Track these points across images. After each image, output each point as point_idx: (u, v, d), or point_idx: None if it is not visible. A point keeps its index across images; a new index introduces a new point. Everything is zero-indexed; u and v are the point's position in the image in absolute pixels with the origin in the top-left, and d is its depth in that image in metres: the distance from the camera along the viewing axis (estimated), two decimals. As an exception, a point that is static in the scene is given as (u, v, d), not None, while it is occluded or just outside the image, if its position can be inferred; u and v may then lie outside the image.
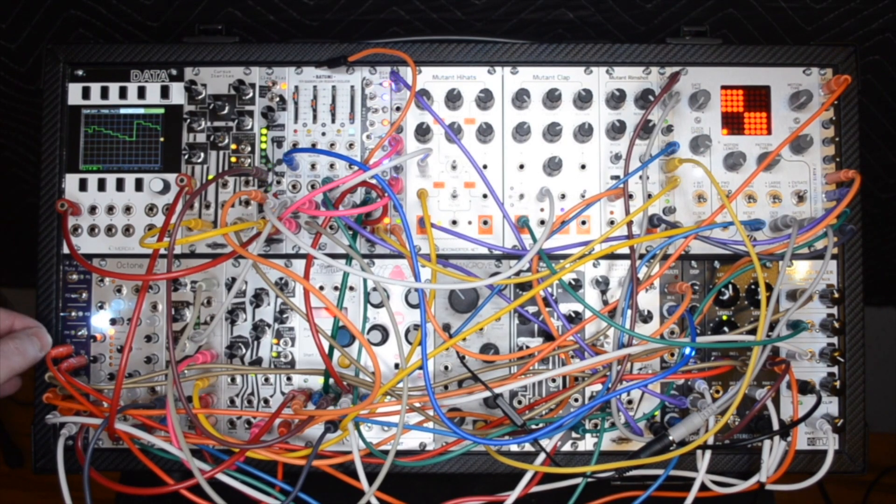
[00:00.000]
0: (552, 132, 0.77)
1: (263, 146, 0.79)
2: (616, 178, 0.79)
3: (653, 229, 0.76)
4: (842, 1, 0.84)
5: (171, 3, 0.87)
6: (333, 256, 0.71)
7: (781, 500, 0.90)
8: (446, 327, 0.79)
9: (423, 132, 0.77)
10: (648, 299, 0.79)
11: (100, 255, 0.79)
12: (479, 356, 0.75)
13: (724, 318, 0.78)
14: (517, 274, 0.70)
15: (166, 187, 0.77)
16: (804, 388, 0.76)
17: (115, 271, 0.78)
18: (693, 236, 0.74)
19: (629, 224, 0.76)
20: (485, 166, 0.79)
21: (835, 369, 0.78)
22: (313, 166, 0.79)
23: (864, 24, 0.87)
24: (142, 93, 0.79)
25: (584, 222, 0.79)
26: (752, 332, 0.73)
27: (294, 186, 0.78)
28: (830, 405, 0.79)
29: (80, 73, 0.79)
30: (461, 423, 0.78)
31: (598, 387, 0.76)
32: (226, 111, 0.79)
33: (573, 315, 0.79)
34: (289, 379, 0.79)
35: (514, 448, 0.78)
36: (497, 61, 0.79)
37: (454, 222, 0.79)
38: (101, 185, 0.78)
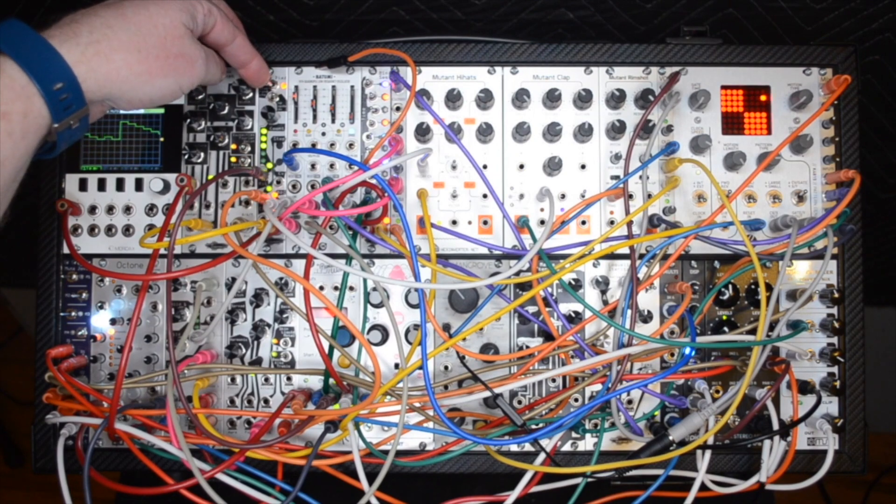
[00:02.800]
0: (552, 132, 0.77)
1: (263, 146, 0.79)
2: (616, 178, 0.79)
3: (653, 229, 0.76)
4: (842, 1, 0.84)
5: (171, 3, 0.87)
6: (333, 256, 0.71)
7: (781, 500, 0.90)
8: (446, 327, 0.79)
9: (423, 132, 0.77)
10: (648, 299, 0.79)
11: (100, 255, 0.79)
12: (479, 356, 0.75)
13: (724, 318, 0.78)
14: (517, 274, 0.70)
15: (166, 187, 0.77)
16: (804, 388, 0.76)
17: (115, 271, 0.78)
18: (693, 236, 0.74)
19: (629, 224, 0.76)
20: (485, 166, 0.79)
21: (835, 369, 0.78)
22: (313, 166, 0.79)
23: (864, 24, 0.87)
24: (142, 93, 0.79)
25: (584, 222, 0.79)
26: (752, 332, 0.73)
27: (294, 186, 0.78)
28: (830, 405, 0.79)
29: (80, 73, 0.79)
30: (461, 423, 0.78)
31: (598, 387, 0.76)
32: (226, 111, 0.79)
33: (573, 315, 0.79)
34: (289, 379, 0.79)
35: (514, 448, 0.78)
36: (497, 61, 0.79)
37: (454, 222, 0.79)
38: (101, 185, 0.78)
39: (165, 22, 0.61)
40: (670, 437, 0.69)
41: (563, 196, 0.79)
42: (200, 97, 0.79)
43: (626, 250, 0.75)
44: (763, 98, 0.79)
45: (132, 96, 0.61)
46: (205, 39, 0.68)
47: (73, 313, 0.79)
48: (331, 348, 0.73)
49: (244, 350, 0.78)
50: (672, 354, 0.77)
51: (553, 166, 0.77)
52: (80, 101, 0.56)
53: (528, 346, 0.78)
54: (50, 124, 0.55)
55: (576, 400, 0.78)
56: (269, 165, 0.79)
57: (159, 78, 0.61)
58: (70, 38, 0.55)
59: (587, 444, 0.79)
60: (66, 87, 0.55)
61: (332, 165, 0.79)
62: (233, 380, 0.78)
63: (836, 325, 0.77)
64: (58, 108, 0.55)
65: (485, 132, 0.77)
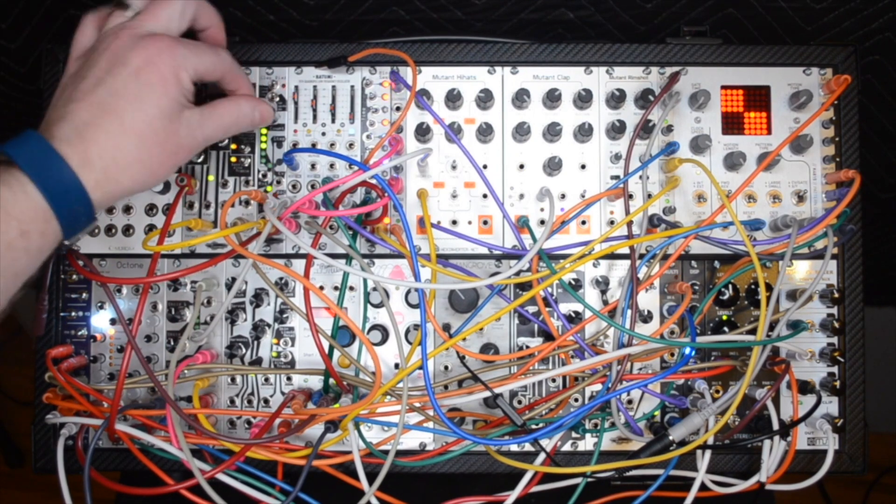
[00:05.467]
0: (552, 132, 0.77)
1: (263, 146, 0.79)
2: (616, 178, 0.79)
3: (653, 229, 0.76)
4: (842, 1, 0.84)
5: (171, 3, 0.87)
6: (333, 256, 0.71)
7: (781, 500, 0.90)
8: (446, 327, 0.79)
9: (423, 132, 0.77)
10: (648, 299, 0.79)
11: (100, 255, 0.79)
12: (479, 356, 0.75)
13: (724, 318, 0.78)
14: (517, 274, 0.70)
15: (166, 187, 0.77)
16: (804, 388, 0.76)
17: (115, 271, 0.78)
18: (693, 236, 0.74)
19: (629, 224, 0.76)
20: (485, 166, 0.79)
21: (835, 369, 0.78)
22: (313, 166, 0.79)
23: (864, 24, 0.87)
24: (142, 93, 0.79)
25: (584, 222, 0.79)
26: (752, 332, 0.73)
27: (294, 186, 0.78)
28: (830, 405, 0.79)
29: (80, 73, 0.79)
30: (461, 423, 0.78)
31: (598, 387, 0.76)
32: (226, 111, 0.79)
33: (573, 315, 0.79)
34: (289, 379, 0.79)
35: (514, 448, 0.78)
36: (497, 61, 0.79)
37: (454, 222, 0.79)
38: (101, 185, 0.78)
39: (160, 114, 0.61)
40: (670, 437, 0.69)
41: (563, 196, 0.79)
42: (200, 97, 0.78)
43: (626, 250, 0.75)
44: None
45: (137, 193, 0.64)
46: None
47: (73, 313, 0.79)
48: (331, 348, 0.73)
49: (244, 350, 0.78)
50: (672, 354, 0.77)
51: (553, 166, 0.77)
52: (91, 218, 0.60)
53: (528, 346, 0.78)
54: (61, 238, 0.58)
55: (576, 400, 0.78)
56: (269, 165, 0.79)
57: (162, 175, 0.64)
58: (85, 164, 0.57)
59: (587, 444, 0.79)
60: (82, 210, 0.58)
61: (332, 165, 0.79)
62: (233, 380, 0.78)
63: (836, 325, 0.77)
64: (71, 227, 0.58)
65: (485, 132, 0.77)
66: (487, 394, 0.70)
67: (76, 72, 0.63)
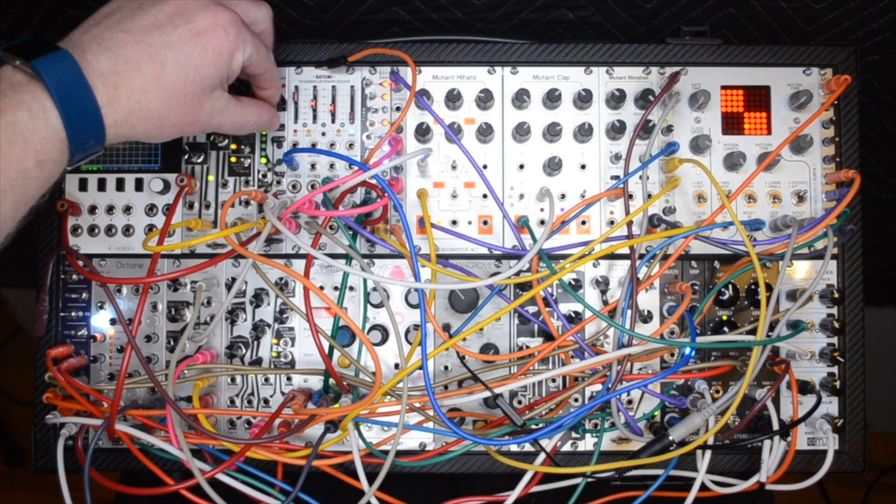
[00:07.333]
0: (552, 132, 0.77)
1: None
2: (616, 178, 0.79)
3: (653, 229, 0.76)
4: (842, 1, 0.84)
5: (171, 3, 0.87)
6: (333, 256, 0.71)
7: (781, 500, 0.90)
8: (446, 327, 0.79)
9: (423, 132, 0.77)
10: (648, 299, 0.79)
11: (100, 255, 0.79)
12: (479, 356, 0.75)
13: (724, 318, 0.78)
14: (517, 274, 0.70)
15: (166, 187, 0.77)
16: (804, 388, 0.76)
17: (115, 271, 0.78)
18: (693, 236, 0.74)
19: (629, 224, 0.76)
20: (485, 166, 0.79)
21: (835, 369, 0.78)
22: (313, 166, 0.79)
23: (864, 24, 0.87)
24: (142, 93, 0.79)
25: (584, 222, 0.79)
26: (752, 332, 0.73)
27: (294, 186, 0.78)
28: (830, 405, 0.79)
29: (80, 73, 0.79)
30: (461, 423, 0.78)
31: (598, 387, 0.76)
32: (226, 111, 0.79)
33: (573, 315, 0.79)
34: (289, 379, 0.79)
35: (514, 448, 0.78)
36: (497, 61, 0.79)
37: (454, 222, 0.79)
38: (101, 185, 0.78)
39: (199, 81, 0.60)
40: (670, 437, 0.69)
41: (563, 196, 0.79)
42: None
43: (626, 250, 0.75)
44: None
45: (137, 141, 0.64)
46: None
47: (73, 313, 0.79)
48: (331, 348, 0.73)
49: (244, 350, 0.78)
50: (672, 354, 0.77)
51: (553, 166, 0.77)
52: (96, 153, 0.59)
53: (528, 346, 0.78)
54: (67, 165, 0.58)
55: (576, 400, 0.78)
56: (269, 165, 0.79)
57: (166, 137, 0.63)
58: (112, 103, 0.56)
59: (587, 444, 0.79)
60: (93, 144, 0.57)
61: (332, 165, 0.79)
62: (233, 380, 0.78)
63: (836, 325, 0.77)
64: (78, 157, 0.57)
65: (485, 132, 0.77)
66: (487, 394, 0.70)
67: None
